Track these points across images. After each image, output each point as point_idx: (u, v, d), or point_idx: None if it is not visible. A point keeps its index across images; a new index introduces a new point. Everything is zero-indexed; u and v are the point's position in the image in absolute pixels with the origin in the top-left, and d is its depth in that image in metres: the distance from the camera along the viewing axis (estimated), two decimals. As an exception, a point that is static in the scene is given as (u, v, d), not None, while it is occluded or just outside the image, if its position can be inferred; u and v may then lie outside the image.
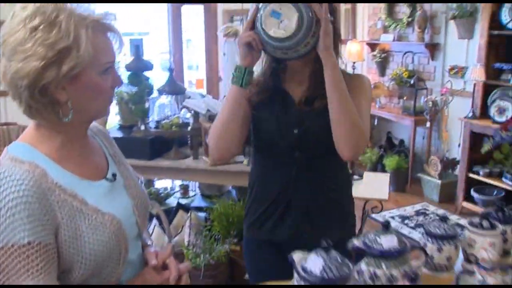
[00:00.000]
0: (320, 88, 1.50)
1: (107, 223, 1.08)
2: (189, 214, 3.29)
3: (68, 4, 1.03)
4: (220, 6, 6.60)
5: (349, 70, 6.38)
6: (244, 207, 1.75)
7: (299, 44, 1.40)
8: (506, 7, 3.91)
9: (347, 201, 1.68)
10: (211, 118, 3.12)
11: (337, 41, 1.51)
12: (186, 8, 6.48)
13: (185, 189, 4.32)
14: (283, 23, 1.39)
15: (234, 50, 3.22)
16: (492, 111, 3.98)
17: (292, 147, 1.55)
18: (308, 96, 1.54)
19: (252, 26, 1.45)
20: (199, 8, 6.61)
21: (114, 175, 1.18)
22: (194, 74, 7.42)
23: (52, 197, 1.01)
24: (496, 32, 3.92)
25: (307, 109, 1.54)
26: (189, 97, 3.41)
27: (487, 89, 4.09)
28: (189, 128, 3.36)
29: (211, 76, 6.68)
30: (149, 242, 1.32)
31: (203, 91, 6.64)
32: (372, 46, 5.95)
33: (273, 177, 1.61)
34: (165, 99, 3.47)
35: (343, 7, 6.55)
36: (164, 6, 6.30)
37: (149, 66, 3.22)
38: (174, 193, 4.25)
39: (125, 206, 1.18)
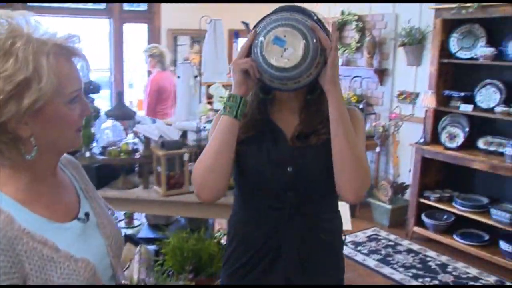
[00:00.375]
0: (315, 122, 1.37)
1: (81, 270, 0.99)
2: (138, 248, 3.03)
3: (25, 29, 0.93)
4: (164, 25, 6.41)
5: None
6: (222, 252, 1.55)
7: (301, 75, 1.27)
8: (454, 36, 3.99)
9: (339, 243, 1.52)
10: (164, 145, 2.91)
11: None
12: (128, 26, 6.22)
13: (129, 218, 4.05)
14: (287, 52, 1.25)
15: (190, 73, 3.03)
16: (443, 137, 4.02)
17: (285, 187, 1.38)
18: (302, 131, 1.39)
19: (249, 51, 1.31)
20: (143, 26, 6.37)
21: (87, 215, 1.09)
22: (135, 94, 7.11)
23: (20, 246, 0.91)
24: (445, 60, 3.99)
25: (301, 145, 1.38)
26: (139, 122, 3.18)
27: (437, 116, 4.14)
28: (137, 155, 3.15)
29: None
30: (123, 282, 1.20)
31: (143, 113, 6.38)
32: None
33: (261, 221, 1.42)
34: (108, 123, 3.23)
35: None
36: (106, 22, 6.02)
37: (96, 88, 2.97)
38: (118, 222, 3.96)
39: (99, 248, 1.10)
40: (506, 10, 3.51)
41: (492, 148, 3.75)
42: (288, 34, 1.25)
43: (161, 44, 6.44)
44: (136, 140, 3.27)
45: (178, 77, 3.10)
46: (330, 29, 1.36)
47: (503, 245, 3.59)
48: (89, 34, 6.97)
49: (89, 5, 5.88)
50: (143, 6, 6.33)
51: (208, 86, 3.38)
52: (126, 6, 6.13)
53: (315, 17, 1.35)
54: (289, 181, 1.37)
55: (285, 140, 1.40)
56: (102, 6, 5.97)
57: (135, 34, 6.45)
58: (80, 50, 1.02)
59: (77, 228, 1.06)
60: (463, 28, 3.97)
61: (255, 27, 1.34)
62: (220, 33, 3.06)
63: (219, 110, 3.16)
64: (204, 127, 3.06)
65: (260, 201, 1.42)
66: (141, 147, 3.25)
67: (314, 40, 1.25)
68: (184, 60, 6.63)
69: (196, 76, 3.14)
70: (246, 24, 5.23)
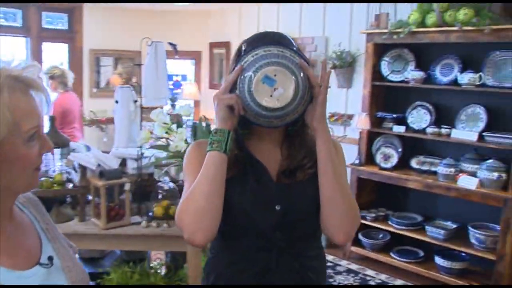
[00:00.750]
0: (299, 156, 1.31)
1: None
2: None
3: None
4: (86, 45, 6.12)
5: None
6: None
7: (289, 114, 1.22)
8: (385, 60, 4.14)
9: (324, 281, 1.44)
10: (103, 174, 2.71)
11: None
12: (48, 45, 5.87)
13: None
14: (277, 92, 1.19)
15: (129, 97, 2.87)
16: (378, 158, 4.13)
17: (273, 227, 1.28)
18: (288, 167, 1.32)
19: (234, 86, 1.23)
20: (63, 46, 6.04)
21: (50, 259, 1.01)
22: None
23: None
24: (378, 83, 4.11)
25: (288, 181, 1.30)
26: (74, 150, 2.95)
27: (371, 137, 4.25)
28: (70, 185, 2.92)
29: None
30: None
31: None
32: (249, 91, 5.95)
33: (246, 265, 1.30)
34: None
35: (217, 51, 6.54)
36: (23, 41, 5.63)
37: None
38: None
39: None
40: (434, 37, 3.69)
41: (424, 168, 3.90)
42: (279, 74, 1.19)
43: (83, 64, 6.14)
44: (69, 169, 3.04)
45: (116, 101, 2.92)
46: (320, 66, 1.32)
47: (438, 260, 3.71)
48: (3, 53, 6.49)
49: (4, 22, 5.47)
50: (63, 25, 6.00)
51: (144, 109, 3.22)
52: (46, 24, 5.79)
53: (295, 47, 1.29)
54: (278, 220, 1.28)
55: (269, 177, 1.31)
56: (19, 23, 5.58)
57: (55, 53, 6.09)
58: (39, 82, 0.92)
59: (40, 274, 0.98)
60: (393, 52, 4.13)
61: (239, 60, 1.26)
62: (162, 56, 2.93)
63: (163, 137, 3.02)
64: (143, 154, 2.89)
65: (246, 242, 1.31)
66: (75, 176, 3.02)
67: (303, 78, 1.21)
68: (106, 81, 6.37)
69: (136, 101, 2.98)
70: (174, 46, 5.11)
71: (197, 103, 6.77)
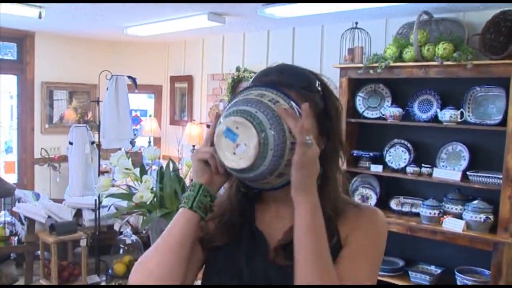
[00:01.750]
0: None
1: None
2: None
3: None
4: (38, 77, 5.70)
5: (188, 153, 6.11)
6: None
7: (265, 176, 0.92)
8: (360, 96, 3.96)
9: None
10: (54, 228, 2.33)
11: (337, 156, 1.04)
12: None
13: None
14: (239, 148, 0.91)
15: (85, 138, 2.52)
16: (356, 199, 3.88)
17: None
18: (291, 242, 0.96)
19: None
20: (12, 78, 5.60)
21: None
22: (2, 156, 6.17)
23: None
24: (353, 119, 3.91)
25: (285, 263, 0.96)
26: (19, 199, 2.56)
27: (348, 177, 4.01)
28: (15, 240, 2.54)
29: (24, 157, 5.60)
30: None
31: (14, 176, 5.52)
32: (214, 127, 5.66)
33: None
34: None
35: (178, 85, 6.25)
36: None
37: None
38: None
39: None
40: (413, 72, 3.53)
41: (405, 209, 3.68)
42: (241, 127, 0.91)
43: (34, 98, 5.71)
44: (14, 220, 2.64)
45: (70, 143, 2.56)
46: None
47: (423, 309, 3.46)
48: None
49: None
50: (12, 56, 5.58)
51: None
52: (-7, 55, 5.36)
53: (317, 84, 1.02)
54: None
55: (264, 252, 1.01)
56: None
57: (4, 86, 5.64)
58: None
59: None
60: (368, 88, 3.95)
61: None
62: (123, 91, 2.61)
63: (123, 184, 2.67)
64: (101, 203, 2.53)
65: None
66: (20, 229, 2.62)
67: (281, 132, 0.89)
68: (60, 116, 5.94)
69: (93, 142, 2.63)
70: (133, 79, 4.79)
71: (157, 140, 6.41)
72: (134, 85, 4.67)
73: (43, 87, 5.74)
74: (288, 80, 0.99)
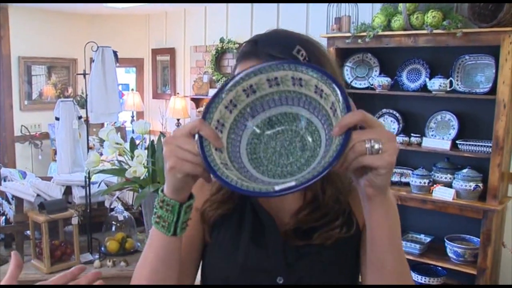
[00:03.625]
0: (321, 212, 0.90)
1: None
2: None
3: None
4: (15, 52, 5.51)
5: (173, 127, 6.01)
6: None
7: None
8: (347, 66, 3.91)
9: None
10: (43, 207, 2.27)
11: None
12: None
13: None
14: None
15: (72, 113, 2.44)
16: (345, 170, 3.88)
17: None
18: (304, 225, 0.90)
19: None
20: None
21: None
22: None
23: None
24: (341, 89, 3.87)
25: (300, 244, 0.89)
26: (5, 178, 2.48)
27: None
28: (2, 220, 2.47)
29: (4, 135, 5.47)
30: None
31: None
32: (198, 101, 5.59)
33: None
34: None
35: (160, 58, 6.11)
36: None
37: None
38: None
39: None
40: (401, 41, 3.49)
41: (395, 179, 3.69)
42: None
43: (11, 74, 5.52)
44: (1, 199, 2.56)
45: (57, 118, 2.48)
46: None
47: (415, 276, 3.50)
48: None
49: None
50: (-13, 30, 5.37)
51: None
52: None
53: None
54: None
55: (275, 237, 0.91)
56: None
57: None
58: None
59: None
60: (355, 58, 3.91)
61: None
62: (110, 64, 2.52)
63: (112, 160, 2.61)
64: (90, 179, 2.46)
65: None
66: (8, 209, 2.55)
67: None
68: (39, 92, 5.77)
69: (80, 117, 2.55)
70: (115, 53, 4.65)
71: (140, 114, 6.30)
72: (115, 59, 4.55)
73: (20, 62, 5.56)
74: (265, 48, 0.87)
